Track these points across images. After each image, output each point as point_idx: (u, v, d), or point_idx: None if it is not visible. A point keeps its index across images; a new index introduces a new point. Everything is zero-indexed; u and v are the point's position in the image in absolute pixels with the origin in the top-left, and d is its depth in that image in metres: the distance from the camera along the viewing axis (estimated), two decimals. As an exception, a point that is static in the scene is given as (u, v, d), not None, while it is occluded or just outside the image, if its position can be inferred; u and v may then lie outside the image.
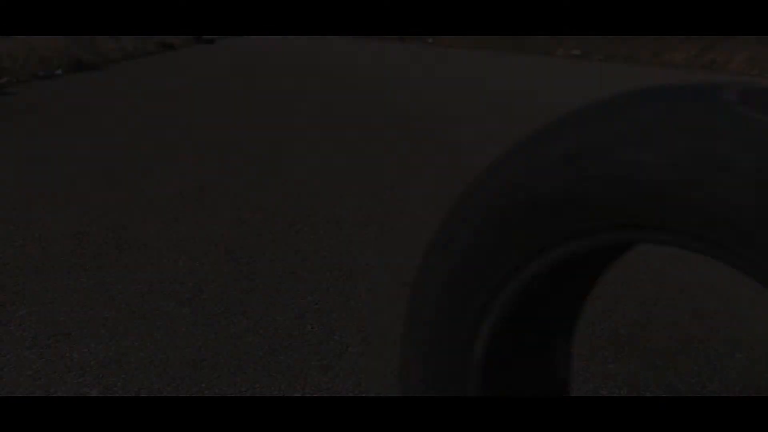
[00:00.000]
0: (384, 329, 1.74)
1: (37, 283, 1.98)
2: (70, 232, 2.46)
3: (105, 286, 1.98)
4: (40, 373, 1.48)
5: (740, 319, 1.94)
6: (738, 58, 19.03)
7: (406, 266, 2.19)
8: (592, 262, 0.74)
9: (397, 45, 28.92)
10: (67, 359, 1.55)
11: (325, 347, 1.65)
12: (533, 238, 0.66)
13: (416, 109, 6.51)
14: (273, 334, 1.71)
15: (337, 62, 14.60)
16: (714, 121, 0.51)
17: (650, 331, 1.82)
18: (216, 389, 1.44)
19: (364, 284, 2.05)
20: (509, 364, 0.85)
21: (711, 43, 20.78)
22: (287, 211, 2.85)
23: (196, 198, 3.01)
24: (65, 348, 1.60)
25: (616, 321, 1.88)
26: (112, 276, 2.05)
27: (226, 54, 16.45)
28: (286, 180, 3.41)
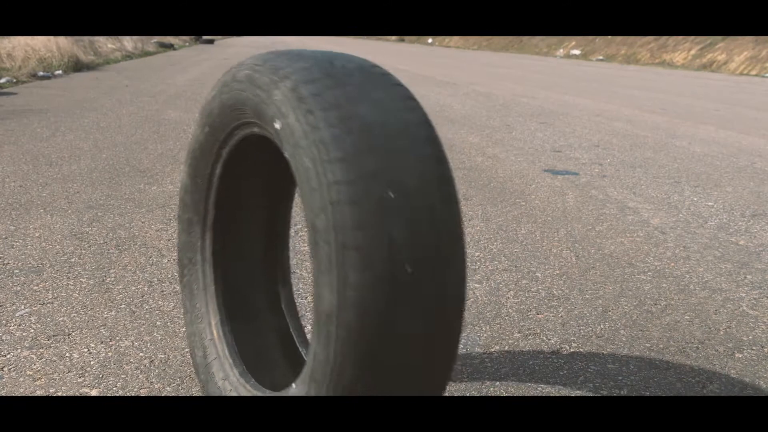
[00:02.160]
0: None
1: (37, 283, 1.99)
2: (70, 231, 2.46)
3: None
4: (40, 373, 1.48)
5: (740, 319, 1.94)
6: (738, 58, 19.03)
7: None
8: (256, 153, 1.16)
9: (393, 46, 28.92)
10: (67, 359, 1.55)
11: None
12: (226, 127, 1.10)
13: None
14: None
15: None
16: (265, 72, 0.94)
17: (650, 331, 1.83)
18: (216, 389, 1.44)
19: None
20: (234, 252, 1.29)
21: (711, 43, 20.79)
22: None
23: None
24: (65, 348, 1.60)
25: (615, 321, 1.88)
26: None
27: (226, 53, 16.45)
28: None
